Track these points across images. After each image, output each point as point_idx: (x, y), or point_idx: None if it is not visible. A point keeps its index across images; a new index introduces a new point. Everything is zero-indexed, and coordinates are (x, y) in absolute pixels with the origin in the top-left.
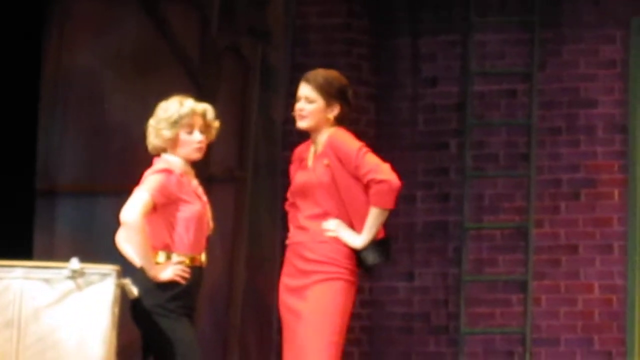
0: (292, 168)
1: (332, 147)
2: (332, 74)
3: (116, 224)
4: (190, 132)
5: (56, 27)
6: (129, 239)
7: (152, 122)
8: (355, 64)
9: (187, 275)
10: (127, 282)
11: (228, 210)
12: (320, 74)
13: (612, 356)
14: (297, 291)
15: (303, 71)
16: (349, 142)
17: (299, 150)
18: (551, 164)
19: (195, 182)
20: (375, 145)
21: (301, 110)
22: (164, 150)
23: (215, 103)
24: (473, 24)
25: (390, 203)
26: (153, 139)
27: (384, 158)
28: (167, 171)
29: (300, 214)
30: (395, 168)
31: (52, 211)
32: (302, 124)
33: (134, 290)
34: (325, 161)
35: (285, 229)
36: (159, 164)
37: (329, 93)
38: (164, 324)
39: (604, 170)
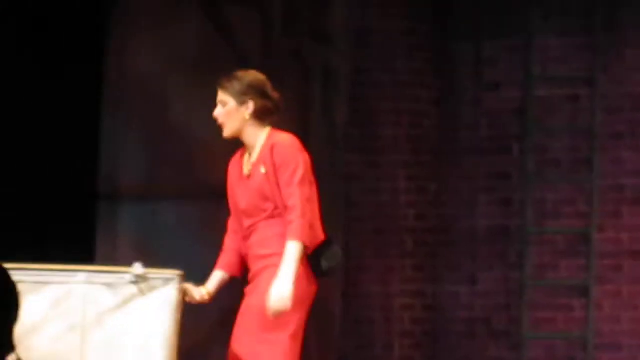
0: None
1: (272, 154)
2: (245, 72)
3: (179, 227)
4: None
5: (118, 31)
6: None
7: None
8: (417, 67)
9: None
10: (189, 286)
11: None
12: (231, 75)
13: None
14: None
15: (365, 74)
16: (291, 157)
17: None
18: (614, 169)
19: None
20: (437, 149)
21: (216, 117)
22: None
23: None
24: (535, 29)
25: (305, 239)
26: None
27: (446, 162)
28: None
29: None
30: (457, 172)
31: (115, 215)
32: (225, 134)
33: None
34: (262, 169)
35: (346, 234)
36: None
37: (239, 91)
38: None
39: None
